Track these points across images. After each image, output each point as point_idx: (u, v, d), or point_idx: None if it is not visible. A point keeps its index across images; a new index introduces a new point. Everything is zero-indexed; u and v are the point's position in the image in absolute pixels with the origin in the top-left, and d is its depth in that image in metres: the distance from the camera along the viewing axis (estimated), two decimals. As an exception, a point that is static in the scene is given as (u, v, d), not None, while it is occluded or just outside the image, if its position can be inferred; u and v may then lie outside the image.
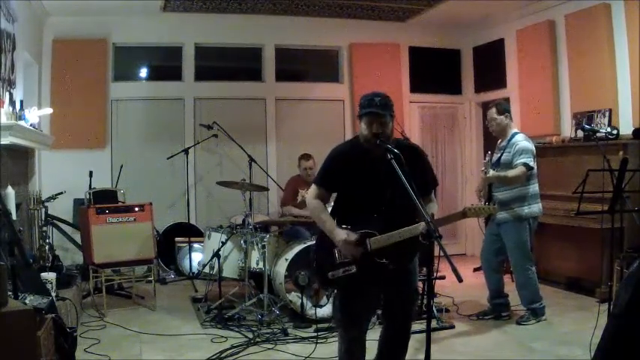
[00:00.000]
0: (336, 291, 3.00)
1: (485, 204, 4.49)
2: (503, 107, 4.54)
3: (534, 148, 4.41)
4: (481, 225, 7.44)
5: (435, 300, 4.98)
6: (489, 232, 4.65)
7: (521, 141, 4.38)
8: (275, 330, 4.27)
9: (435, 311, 4.44)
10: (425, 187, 2.84)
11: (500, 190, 4.42)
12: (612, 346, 2.37)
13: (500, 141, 4.60)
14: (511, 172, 4.30)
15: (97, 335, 4.14)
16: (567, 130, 5.98)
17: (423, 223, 2.56)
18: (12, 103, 4.61)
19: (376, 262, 2.76)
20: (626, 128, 5.13)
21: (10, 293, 2.62)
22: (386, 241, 2.74)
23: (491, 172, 4.38)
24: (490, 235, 4.63)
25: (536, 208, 4.44)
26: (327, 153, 2.98)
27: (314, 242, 3.20)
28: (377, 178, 2.77)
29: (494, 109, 4.53)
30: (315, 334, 4.15)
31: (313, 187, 2.97)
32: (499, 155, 4.49)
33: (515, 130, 4.54)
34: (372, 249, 2.75)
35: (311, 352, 3.79)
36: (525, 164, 4.28)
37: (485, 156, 4.66)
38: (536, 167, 4.40)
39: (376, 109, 2.72)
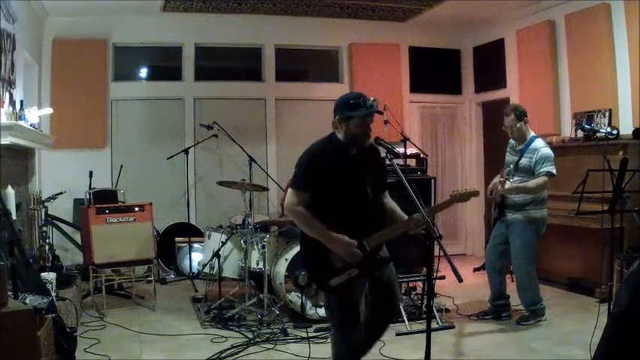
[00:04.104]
0: (332, 299, 2.89)
1: (494, 207, 4.56)
2: (521, 111, 4.42)
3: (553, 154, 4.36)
4: (482, 224, 7.50)
5: (435, 300, 4.99)
6: (496, 232, 4.59)
7: (543, 147, 4.32)
8: (275, 330, 4.27)
9: (435, 311, 4.44)
10: (385, 185, 3.01)
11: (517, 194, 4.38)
12: (612, 346, 2.37)
13: (516, 144, 4.51)
14: (532, 183, 4.26)
15: (97, 335, 4.15)
16: (567, 130, 5.98)
17: (414, 217, 2.72)
18: (12, 103, 4.61)
19: (373, 259, 2.81)
20: (626, 128, 5.12)
21: (10, 293, 2.62)
22: (382, 238, 2.82)
23: (508, 184, 4.33)
24: (496, 237, 4.58)
25: (546, 211, 4.43)
26: None
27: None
28: (359, 176, 2.83)
29: (512, 116, 4.41)
30: (315, 334, 4.16)
31: (293, 192, 2.81)
32: (517, 159, 4.42)
33: (532, 133, 4.45)
34: (370, 248, 2.78)
35: (310, 352, 3.78)
36: (549, 173, 4.24)
37: (488, 157, 4.57)
38: None
39: (372, 110, 2.79)
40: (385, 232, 2.82)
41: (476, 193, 2.92)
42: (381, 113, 2.82)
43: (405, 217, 2.84)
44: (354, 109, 2.76)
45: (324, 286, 2.85)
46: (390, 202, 2.99)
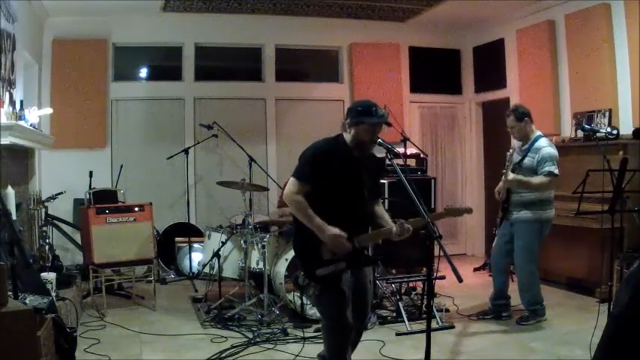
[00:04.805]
0: (319, 288, 3.01)
1: (500, 207, 4.55)
2: (521, 112, 4.40)
3: (557, 153, 4.34)
4: (482, 224, 7.50)
5: (435, 300, 4.99)
6: (502, 232, 4.57)
7: (546, 147, 4.30)
8: (275, 330, 4.27)
9: (435, 311, 4.44)
10: (378, 193, 3.18)
11: (522, 192, 4.35)
12: (612, 346, 2.37)
13: (521, 143, 4.49)
14: (535, 180, 4.25)
15: (97, 335, 4.15)
16: (567, 130, 5.97)
17: (403, 224, 2.83)
18: (12, 103, 4.61)
19: (361, 256, 2.94)
20: (626, 128, 5.12)
21: (10, 293, 2.62)
22: (371, 239, 3.01)
23: (512, 175, 4.31)
24: (502, 236, 4.57)
25: (552, 212, 4.42)
26: None
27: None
28: (359, 178, 2.95)
29: (512, 117, 4.40)
30: (315, 334, 4.16)
31: (295, 182, 2.94)
32: (521, 157, 4.40)
33: (537, 132, 4.43)
34: (359, 246, 2.92)
35: (302, 350, 3.79)
36: (551, 173, 4.22)
37: (506, 158, 4.49)
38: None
39: (382, 120, 2.91)
40: (375, 234, 2.98)
41: (469, 210, 3.02)
42: (390, 125, 2.94)
43: (392, 225, 2.94)
44: (365, 115, 2.88)
45: (312, 276, 2.96)
46: (381, 210, 3.11)
